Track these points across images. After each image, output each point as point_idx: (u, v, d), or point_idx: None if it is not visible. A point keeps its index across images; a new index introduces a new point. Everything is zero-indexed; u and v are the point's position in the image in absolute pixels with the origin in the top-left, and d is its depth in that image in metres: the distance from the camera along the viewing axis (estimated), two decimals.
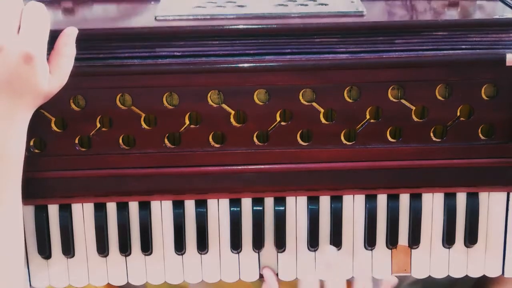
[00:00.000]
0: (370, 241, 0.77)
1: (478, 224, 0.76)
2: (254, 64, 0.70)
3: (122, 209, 0.76)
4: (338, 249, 0.77)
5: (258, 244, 0.77)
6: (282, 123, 0.73)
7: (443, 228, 0.77)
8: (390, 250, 0.78)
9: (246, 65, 0.70)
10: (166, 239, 0.77)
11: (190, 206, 0.76)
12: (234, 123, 0.73)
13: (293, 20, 0.74)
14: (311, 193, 0.76)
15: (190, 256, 0.78)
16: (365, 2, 0.79)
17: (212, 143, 0.74)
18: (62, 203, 0.76)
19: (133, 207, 0.76)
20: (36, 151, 0.73)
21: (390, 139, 0.74)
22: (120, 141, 0.73)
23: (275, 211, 0.76)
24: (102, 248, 0.76)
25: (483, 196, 0.76)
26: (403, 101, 0.72)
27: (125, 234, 0.76)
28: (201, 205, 0.76)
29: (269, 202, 0.76)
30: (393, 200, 0.76)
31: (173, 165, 0.74)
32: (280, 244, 0.77)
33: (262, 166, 0.74)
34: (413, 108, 0.72)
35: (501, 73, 0.70)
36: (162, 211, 0.76)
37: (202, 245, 0.77)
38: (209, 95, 0.72)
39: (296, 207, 0.77)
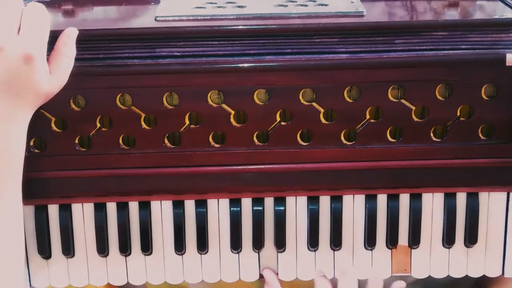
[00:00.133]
0: (370, 241, 0.77)
1: (478, 224, 0.76)
2: (254, 64, 0.70)
3: (122, 209, 0.76)
4: (338, 249, 0.77)
5: (258, 244, 0.77)
6: (282, 123, 0.73)
7: (443, 228, 0.77)
8: (390, 250, 0.78)
9: (246, 65, 0.70)
10: (166, 239, 0.77)
11: (190, 206, 0.76)
12: (234, 123, 0.73)
13: (293, 20, 0.74)
14: (311, 193, 0.76)
15: (190, 256, 0.78)
16: (365, 2, 0.79)
17: (212, 143, 0.74)
18: (62, 203, 0.76)
19: (133, 207, 0.76)
20: (36, 151, 0.73)
21: (390, 139, 0.74)
22: (120, 141, 0.73)
23: (275, 211, 0.76)
24: (102, 248, 0.76)
25: (483, 196, 0.76)
26: (403, 101, 0.72)
27: (125, 234, 0.76)
28: (201, 205, 0.76)
29: (269, 202, 0.76)
30: (393, 200, 0.76)
31: (173, 165, 0.74)
32: (280, 244, 0.77)
33: (262, 166, 0.74)
34: (413, 108, 0.72)
35: (501, 73, 0.70)
36: (162, 211, 0.76)
37: (202, 245, 0.77)
38: (209, 95, 0.72)
39: (296, 207, 0.77)
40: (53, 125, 0.72)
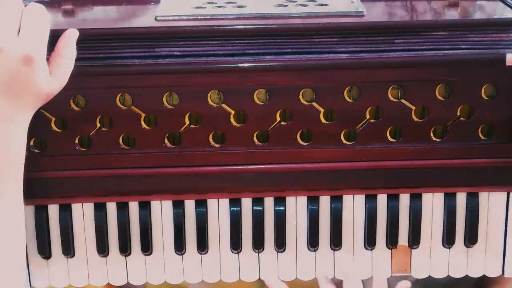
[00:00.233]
0: (370, 241, 0.77)
1: (478, 224, 0.76)
2: (254, 64, 0.70)
3: (122, 209, 0.76)
4: (338, 249, 0.77)
5: (258, 244, 0.77)
6: (282, 123, 0.73)
7: (443, 228, 0.77)
8: (390, 250, 0.78)
9: (246, 65, 0.70)
10: (166, 239, 0.77)
11: (190, 206, 0.76)
12: (234, 123, 0.73)
13: (293, 20, 0.74)
14: (311, 193, 0.76)
15: (190, 256, 0.78)
16: (365, 2, 0.79)
17: (212, 143, 0.74)
18: (62, 203, 0.76)
19: (133, 207, 0.76)
20: (36, 151, 0.73)
21: (390, 139, 0.74)
22: (120, 141, 0.73)
23: (275, 211, 0.76)
24: (102, 248, 0.76)
25: (483, 196, 0.76)
26: (403, 101, 0.72)
27: (125, 234, 0.76)
28: (201, 205, 0.76)
29: (269, 202, 0.76)
30: (393, 200, 0.76)
31: (173, 165, 0.74)
32: (280, 244, 0.77)
33: (262, 166, 0.74)
34: (413, 108, 0.72)
35: (501, 73, 0.70)
36: (162, 211, 0.76)
37: (202, 245, 0.77)
38: (209, 95, 0.72)
39: (296, 207, 0.77)
40: (53, 125, 0.72)
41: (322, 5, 0.78)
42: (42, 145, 0.73)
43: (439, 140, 0.74)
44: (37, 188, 0.73)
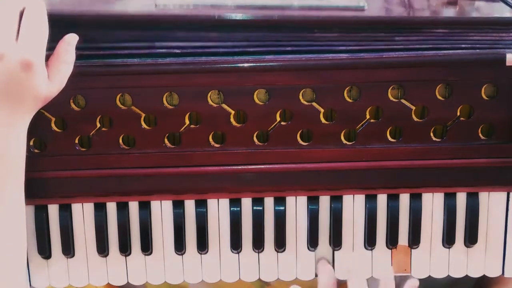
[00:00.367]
0: (370, 241, 0.77)
1: (478, 224, 0.76)
2: (254, 64, 0.70)
3: (122, 209, 0.76)
4: (338, 249, 0.77)
5: (258, 244, 0.77)
6: (282, 123, 0.73)
7: (443, 228, 0.77)
8: (390, 250, 0.78)
9: (246, 65, 0.70)
10: (166, 239, 0.77)
11: (190, 206, 0.76)
12: (234, 123, 0.73)
13: (294, 12, 0.73)
14: (311, 193, 0.76)
15: (190, 256, 0.78)
16: None
17: (212, 143, 0.74)
18: (62, 203, 0.76)
19: (133, 207, 0.76)
20: (36, 151, 0.73)
21: (390, 139, 0.74)
22: (120, 141, 0.73)
23: (275, 211, 0.76)
24: (102, 248, 0.76)
25: (483, 196, 0.76)
26: (403, 101, 0.72)
27: (125, 234, 0.76)
28: (201, 205, 0.76)
29: (269, 202, 0.76)
30: (393, 200, 0.76)
31: (173, 165, 0.74)
32: (280, 244, 0.77)
33: (262, 166, 0.74)
34: (413, 108, 0.72)
35: (501, 73, 0.70)
36: (162, 211, 0.76)
37: (202, 245, 0.77)
38: (209, 95, 0.72)
39: (296, 207, 0.77)
40: (53, 125, 0.72)
41: None
42: (42, 145, 0.73)
43: (439, 140, 0.74)
44: (37, 188, 0.73)
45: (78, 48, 0.67)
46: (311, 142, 0.73)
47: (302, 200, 0.76)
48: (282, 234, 0.77)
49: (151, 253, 0.77)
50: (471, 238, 0.77)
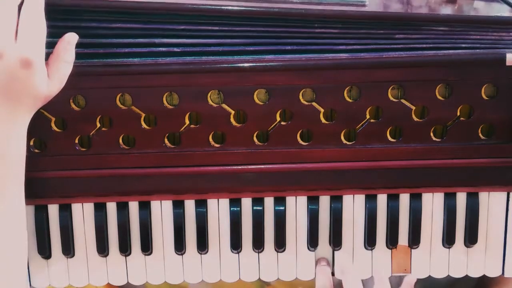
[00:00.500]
0: (370, 241, 0.77)
1: (478, 224, 0.76)
2: (254, 64, 0.70)
3: (122, 209, 0.76)
4: (338, 249, 0.77)
5: (258, 244, 0.77)
6: (282, 123, 0.73)
7: (443, 228, 0.77)
8: (390, 250, 0.78)
9: (246, 65, 0.70)
10: (166, 239, 0.77)
11: (190, 206, 0.76)
12: (234, 123, 0.73)
13: (294, 5, 0.73)
14: (311, 193, 0.76)
15: (190, 256, 0.78)
16: None
17: (212, 143, 0.74)
18: (62, 203, 0.76)
19: (133, 207, 0.76)
20: (36, 151, 0.73)
21: (390, 139, 0.74)
22: (120, 141, 0.73)
23: (275, 211, 0.76)
24: (102, 248, 0.76)
25: (483, 196, 0.76)
26: (403, 101, 0.72)
27: (125, 234, 0.76)
28: (201, 205, 0.76)
29: (269, 202, 0.76)
30: (393, 200, 0.76)
31: (173, 165, 0.74)
32: (280, 244, 0.77)
33: (262, 166, 0.74)
34: (413, 108, 0.72)
35: (501, 73, 0.70)
36: (162, 211, 0.76)
37: (202, 245, 0.77)
38: (209, 95, 0.72)
39: (296, 207, 0.77)
40: (53, 125, 0.72)
41: None
42: (42, 145, 0.73)
43: (439, 140, 0.74)
44: (37, 188, 0.73)
45: (77, 43, 0.67)
46: (311, 142, 0.73)
47: (302, 200, 0.76)
48: (282, 234, 0.77)
49: (151, 253, 0.77)
50: (471, 238, 0.77)
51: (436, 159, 0.74)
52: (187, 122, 0.73)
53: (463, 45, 0.71)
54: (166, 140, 0.73)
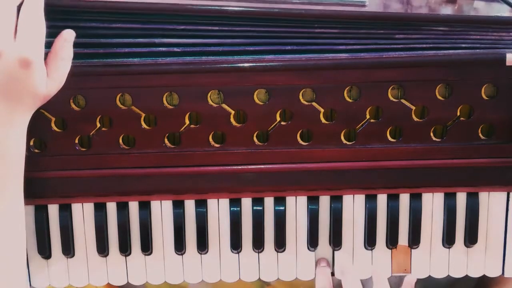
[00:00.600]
0: (370, 241, 0.77)
1: (478, 224, 0.76)
2: (254, 64, 0.70)
3: (122, 209, 0.76)
4: (338, 249, 0.77)
5: (258, 244, 0.77)
6: (282, 123, 0.73)
7: (443, 228, 0.77)
8: (390, 250, 0.78)
9: (246, 65, 0.70)
10: (166, 239, 0.77)
11: (190, 206, 0.76)
12: (234, 123, 0.73)
13: (294, 5, 0.73)
14: (311, 193, 0.76)
15: (190, 256, 0.78)
16: None
17: (212, 143, 0.74)
18: (62, 203, 0.76)
19: (133, 207, 0.76)
20: (36, 151, 0.73)
21: (390, 139, 0.74)
22: (120, 141, 0.73)
23: (275, 211, 0.76)
24: (102, 248, 0.76)
25: (483, 196, 0.76)
26: (403, 101, 0.72)
27: (125, 234, 0.76)
28: (201, 205, 0.76)
29: (269, 202, 0.76)
30: (393, 200, 0.76)
31: (173, 165, 0.74)
32: (280, 244, 0.77)
33: (262, 166, 0.74)
34: (413, 108, 0.72)
35: (501, 73, 0.70)
36: (162, 211, 0.76)
37: (202, 245, 0.77)
38: (209, 95, 0.72)
39: (296, 207, 0.77)
40: (53, 125, 0.72)
41: None
42: (42, 145, 0.73)
43: (439, 140, 0.74)
44: (37, 188, 0.73)
45: (77, 43, 0.67)
46: (311, 142, 0.74)
47: (302, 200, 0.76)
48: (282, 234, 0.77)
49: (151, 253, 0.77)
50: (471, 238, 0.77)
51: (436, 159, 0.74)
52: (187, 122, 0.73)
53: (463, 45, 0.71)
54: (166, 140, 0.73)
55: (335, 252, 0.78)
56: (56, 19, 0.67)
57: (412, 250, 0.78)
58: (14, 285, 0.66)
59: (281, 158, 0.74)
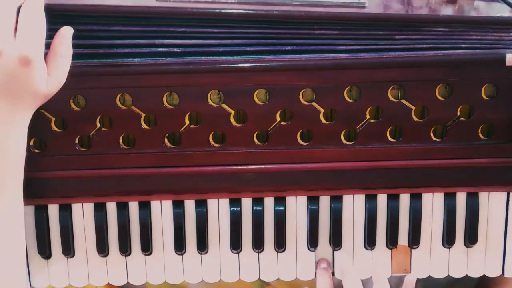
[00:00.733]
0: (370, 241, 0.77)
1: (478, 224, 0.76)
2: (254, 64, 0.70)
3: (122, 209, 0.76)
4: (338, 249, 0.77)
5: (258, 244, 0.77)
6: (282, 123, 0.73)
7: (443, 228, 0.77)
8: (390, 250, 0.78)
9: (246, 65, 0.70)
10: (166, 239, 0.77)
11: (190, 206, 0.76)
12: (234, 123, 0.73)
13: (294, 7, 0.73)
14: (311, 193, 0.76)
15: (190, 256, 0.78)
16: None
17: (212, 143, 0.74)
18: (62, 203, 0.76)
19: (133, 207, 0.76)
20: (36, 151, 0.73)
21: (390, 139, 0.74)
22: (120, 141, 0.73)
23: (275, 211, 0.76)
24: (102, 248, 0.76)
25: (483, 196, 0.76)
26: (403, 101, 0.72)
27: (125, 234, 0.76)
28: (201, 205, 0.76)
29: (269, 202, 0.76)
30: (393, 200, 0.76)
31: (173, 165, 0.74)
32: (280, 244, 0.77)
33: (262, 166, 0.74)
34: (413, 108, 0.72)
35: (501, 73, 0.70)
36: (162, 211, 0.76)
37: (202, 245, 0.77)
38: (209, 95, 0.72)
39: (296, 207, 0.77)
40: (53, 125, 0.72)
41: None
42: (42, 145, 0.73)
43: (439, 140, 0.74)
44: (37, 188, 0.73)
45: (77, 44, 0.67)
46: (311, 142, 0.74)
47: (302, 200, 0.76)
48: (282, 234, 0.77)
49: (151, 253, 0.77)
50: (471, 238, 0.77)
51: (436, 159, 0.74)
52: (187, 122, 0.73)
53: (463, 45, 0.71)
54: (166, 140, 0.73)
55: (335, 252, 0.78)
56: (57, 23, 0.67)
57: (412, 250, 0.78)
58: (14, 285, 0.66)
59: (281, 158, 0.74)
